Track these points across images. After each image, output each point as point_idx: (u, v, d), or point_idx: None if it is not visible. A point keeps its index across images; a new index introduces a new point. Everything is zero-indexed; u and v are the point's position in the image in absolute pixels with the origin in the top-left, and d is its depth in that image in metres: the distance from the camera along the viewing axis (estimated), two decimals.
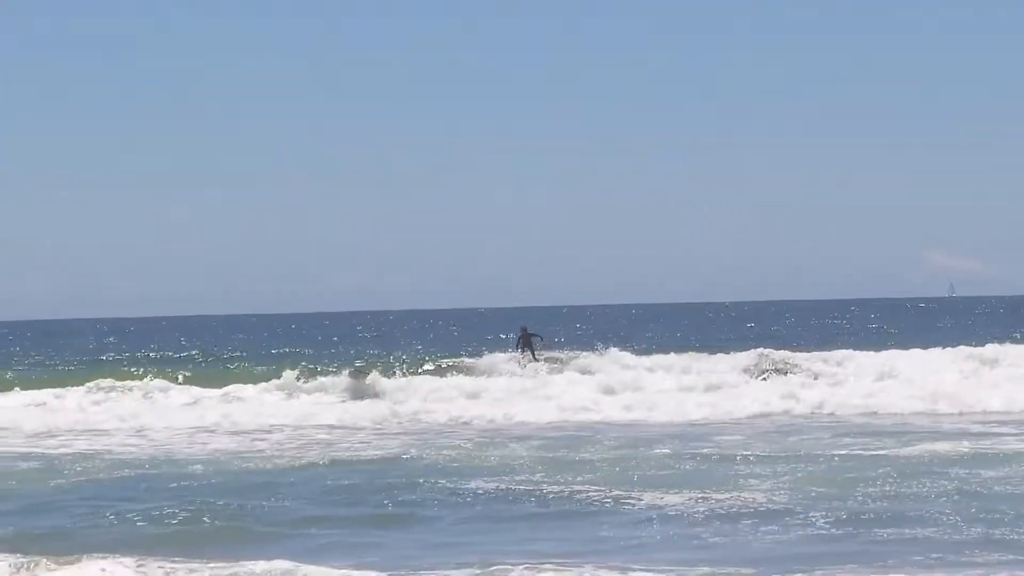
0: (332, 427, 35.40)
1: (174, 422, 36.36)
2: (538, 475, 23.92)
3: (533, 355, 45.69)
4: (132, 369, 51.40)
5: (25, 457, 28.87)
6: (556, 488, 22.18)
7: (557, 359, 45.79)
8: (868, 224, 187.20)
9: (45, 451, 30.18)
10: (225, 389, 43.78)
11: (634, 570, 15.79)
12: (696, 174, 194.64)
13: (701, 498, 20.77)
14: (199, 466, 26.57)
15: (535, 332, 47.49)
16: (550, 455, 27.16)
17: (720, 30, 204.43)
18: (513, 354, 46.72)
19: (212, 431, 34.89)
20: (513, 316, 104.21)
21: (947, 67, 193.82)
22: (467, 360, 49.27)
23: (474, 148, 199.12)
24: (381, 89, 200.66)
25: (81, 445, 31.56)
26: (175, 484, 23.56)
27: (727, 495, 21.00)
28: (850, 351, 47.51)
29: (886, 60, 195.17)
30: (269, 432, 34.17)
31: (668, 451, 27.49)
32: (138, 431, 35.17)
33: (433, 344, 71.01)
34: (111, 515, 20.18)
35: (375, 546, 17.94)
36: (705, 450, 27.68)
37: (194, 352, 68.89)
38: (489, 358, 47.65)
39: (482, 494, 21.83)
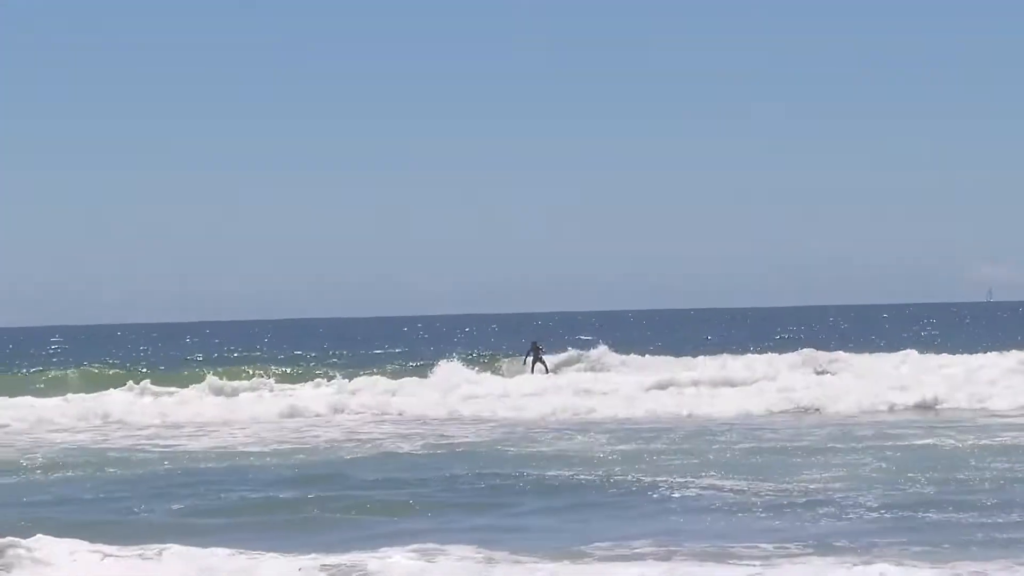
0: None
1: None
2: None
3: (545, 367, 49.19)
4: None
5: None
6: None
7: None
8: (911, 231, 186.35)
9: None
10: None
11: (706, 554, 17.21)
12: (749, 182, 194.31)
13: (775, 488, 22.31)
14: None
15: (543, 347, 51.19)
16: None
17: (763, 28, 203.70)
18: (526, 365, 49.93)
19: None
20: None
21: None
22: None
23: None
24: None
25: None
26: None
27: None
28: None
29: (933, 71, 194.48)
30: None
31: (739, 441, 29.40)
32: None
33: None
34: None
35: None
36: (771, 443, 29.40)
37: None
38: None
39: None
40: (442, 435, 33.18)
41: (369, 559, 16.43)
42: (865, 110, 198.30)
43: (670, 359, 53.12)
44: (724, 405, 38.53)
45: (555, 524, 19.70)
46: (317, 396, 43.69)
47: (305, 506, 21.30)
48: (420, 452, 29.16)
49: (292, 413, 39.36)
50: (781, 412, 37.42)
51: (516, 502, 21.70)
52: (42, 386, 50.35)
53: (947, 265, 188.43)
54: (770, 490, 21.99)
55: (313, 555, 16.70)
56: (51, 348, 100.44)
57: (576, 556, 17.05)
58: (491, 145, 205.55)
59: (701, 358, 51.80)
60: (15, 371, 61.32)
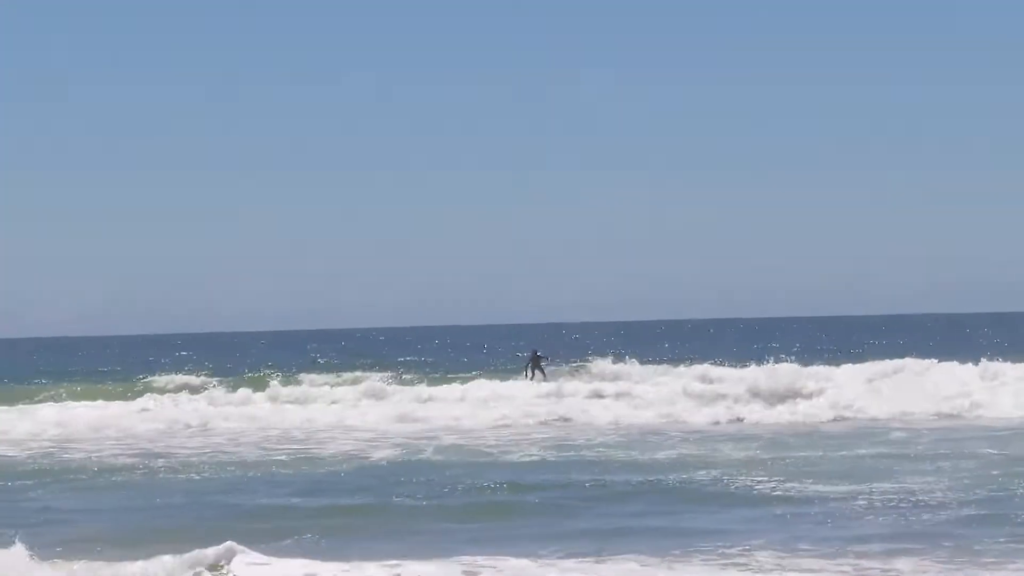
0: None
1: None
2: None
3: (543, 374, 50.20)
4: None
5: None
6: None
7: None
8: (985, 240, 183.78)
9: None
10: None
11: (801, 551, 18.20)
12: (831, 188, 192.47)
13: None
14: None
15: (543, 355, 52.86)
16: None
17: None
18: (526, 374, 50.86)
19: None
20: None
21: None
22: None
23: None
24: None
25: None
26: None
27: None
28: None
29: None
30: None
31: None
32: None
33: None
34: None
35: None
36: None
37: None
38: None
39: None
40: (561, 441, 34.16)
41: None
42: None
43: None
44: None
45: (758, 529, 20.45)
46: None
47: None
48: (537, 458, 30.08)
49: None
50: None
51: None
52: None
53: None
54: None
55: None
56: (182, 354, 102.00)
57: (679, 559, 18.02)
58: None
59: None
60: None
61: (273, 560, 17.08)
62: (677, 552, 18.31)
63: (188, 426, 40.96)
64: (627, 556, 18.09)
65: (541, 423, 39.87)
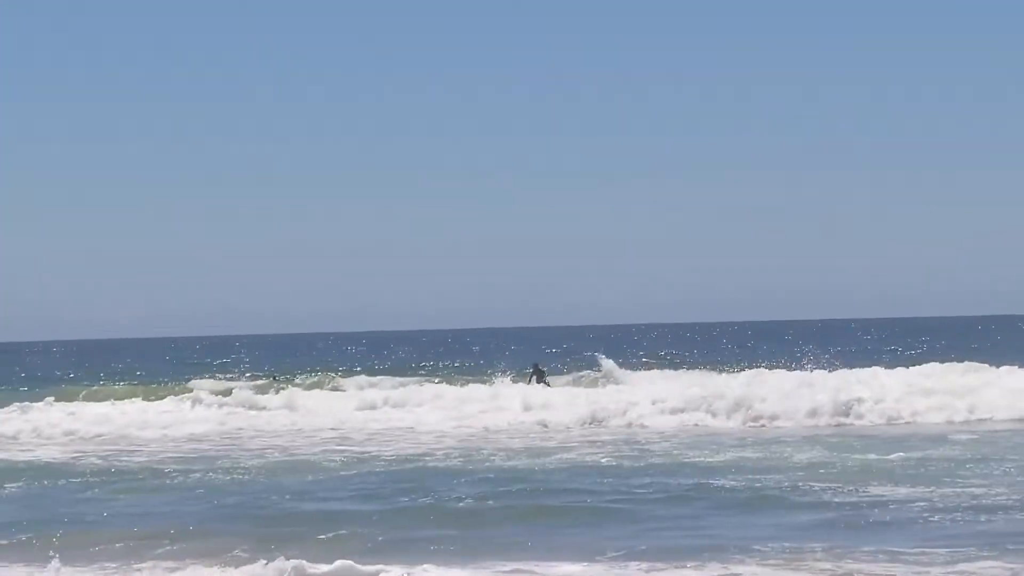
0: None
1: None
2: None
3: (547, 385, 50.27)
4: None
5: None
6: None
7: None
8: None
9: None
10: None
11: (862, 555, 18.04)
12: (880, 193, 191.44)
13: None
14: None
15: (544, 369, 53.41)
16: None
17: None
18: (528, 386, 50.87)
19: None
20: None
21: None
22: None
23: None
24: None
25: None
26: None
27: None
28: None
29: None
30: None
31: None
32: None
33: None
34: None
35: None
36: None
37: None
38: None
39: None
40: (633, 443, 34.10)
41: None
42: None
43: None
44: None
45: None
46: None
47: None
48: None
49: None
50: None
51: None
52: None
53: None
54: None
55: None
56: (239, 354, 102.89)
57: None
58: None
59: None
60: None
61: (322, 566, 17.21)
62: (738, 556, 18.19)
63: (239, 429, 40.93)
64: (684, 562, 17.99)
65: (592, 425, 39.67)
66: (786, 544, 18.90)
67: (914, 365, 46.74)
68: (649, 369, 56.69)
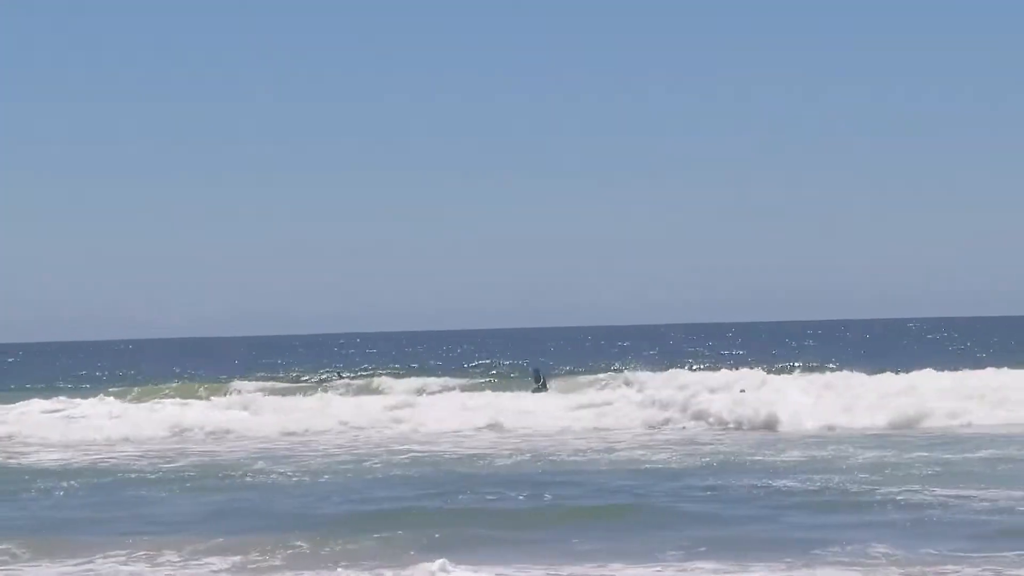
0: None
1: None
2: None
3: (546, 389, 50.61)
4: None
5: None
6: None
7: None
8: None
9: None
10: None
11: (928, 557, 17.92)
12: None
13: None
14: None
15: (545, 373, 54.19)
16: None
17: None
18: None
19: None
20: None
21: None
22: None
23: None
24: None
25: None
26: None
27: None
28: None
29: None
30: None
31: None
32: None
33: None
34: None
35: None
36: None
37: None
38: None
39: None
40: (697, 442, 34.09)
41: None
42: None
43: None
44: None
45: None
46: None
47: None
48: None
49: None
50: None
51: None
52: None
53: None
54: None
55: None
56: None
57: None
58: None
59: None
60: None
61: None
62: (802, 558, 18.06)
63: (301, 432, 40.84)
64: (752, 563, 17.88)
65: (655, 426, 39.46)
66: (849, 544, 18.74)
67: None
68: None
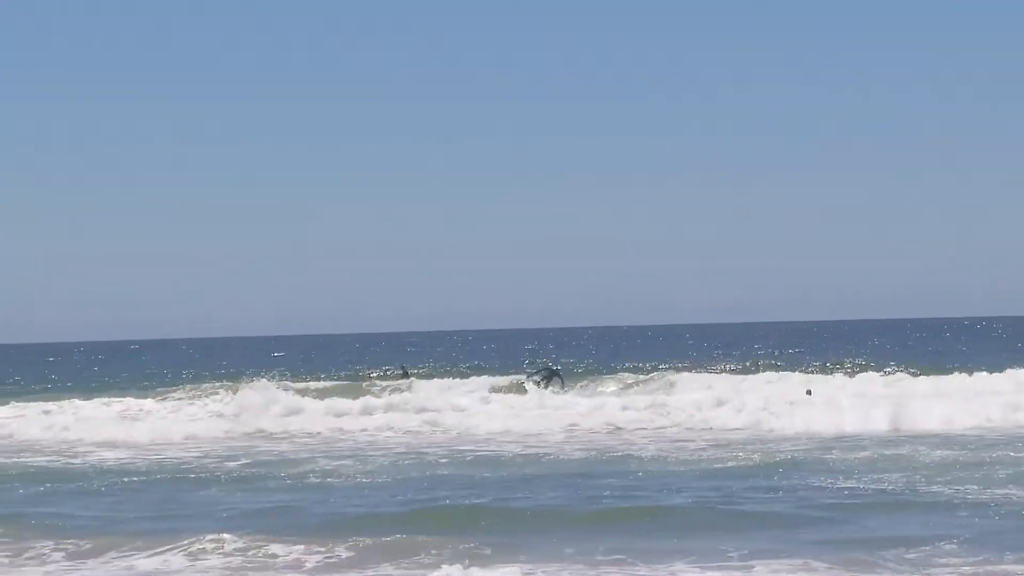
0: None
1: None
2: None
3: (562, 385, 51.03)
4: None
5: None
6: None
7: None
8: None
9: None
10: None
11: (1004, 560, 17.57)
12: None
13: None
14: None
15: (557, 369, 54.85)
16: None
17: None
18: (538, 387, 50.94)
19: None
20: None
21: None
22: None
23: None
24: None
25: None
26: None
27: None
28: None
29: None
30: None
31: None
32: None
33: None
34: None
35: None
36: None
37: None
38: None
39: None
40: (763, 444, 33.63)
41: None
42: None
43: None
44: None
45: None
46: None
47: None
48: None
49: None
50: None
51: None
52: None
53: None
54: None
55: None
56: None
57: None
58: None
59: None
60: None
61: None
62: (864, 559, 17.78)
63: (359, 431, 40.71)
64: (817, 562, 17.63)
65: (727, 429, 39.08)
66: (914, 545, 18.44)
67: None
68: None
